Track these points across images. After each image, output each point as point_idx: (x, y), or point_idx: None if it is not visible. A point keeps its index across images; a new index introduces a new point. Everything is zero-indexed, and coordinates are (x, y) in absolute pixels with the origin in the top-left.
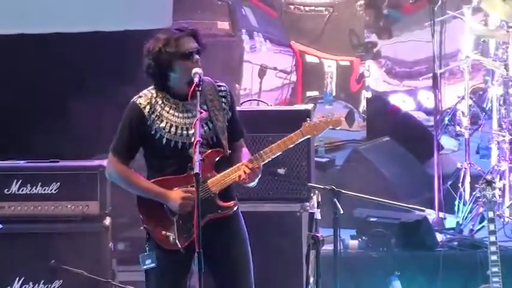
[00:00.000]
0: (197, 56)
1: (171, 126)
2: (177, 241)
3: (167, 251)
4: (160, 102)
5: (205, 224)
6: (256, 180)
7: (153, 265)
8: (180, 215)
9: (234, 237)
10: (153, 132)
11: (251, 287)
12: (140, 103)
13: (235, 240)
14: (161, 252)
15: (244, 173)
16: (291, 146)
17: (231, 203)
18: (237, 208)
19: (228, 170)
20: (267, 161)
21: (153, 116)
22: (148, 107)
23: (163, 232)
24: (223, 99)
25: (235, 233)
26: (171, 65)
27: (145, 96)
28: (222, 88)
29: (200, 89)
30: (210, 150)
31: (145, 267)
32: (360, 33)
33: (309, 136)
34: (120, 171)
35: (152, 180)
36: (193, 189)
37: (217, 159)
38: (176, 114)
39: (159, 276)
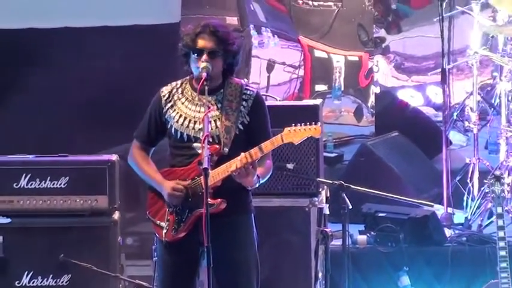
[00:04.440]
0: (205, 57)
1: (180, 116)
2: (164, 232)
3: (168, 244)
4: (180, 92)
5: (198, 220)
6: (251, 182)
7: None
8: (174, 208)
9: (234, 241)
10: (164, 120)
11: None
12: (162, 91)
13: (236, 244)
14: (162, 245)
15: (236, 166)
16: (272, 148)
17: (217, 200)
18: (247, 212)
19: (219, 168)
20: (252, 160)
21: (168, 104)
22: (167, 95)
23: (158, 221)
24: (244, 103)
25: (237, 236)
26: (188, 56)
27: (171, 86)
28: (248, 92)
29: (208, 83)
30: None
31: (154, 258)
32: (369, 28)
33: (288, 142)
34: (134, 155)
35: (161, 170)
36: (186, 182)
37: (215, 157)
38: (189, 106)
39: (161, 268)
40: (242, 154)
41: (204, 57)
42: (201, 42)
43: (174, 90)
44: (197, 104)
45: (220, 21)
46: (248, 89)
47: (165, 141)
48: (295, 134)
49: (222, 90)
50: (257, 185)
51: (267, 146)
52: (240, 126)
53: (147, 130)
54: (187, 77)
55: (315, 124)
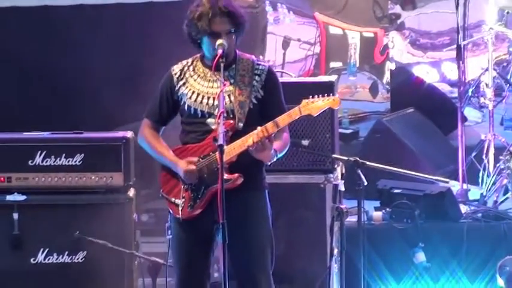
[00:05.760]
0: (224, 37)
1: (193, 93)
2: (180, 209)
3: (183, 221)
4: (191, 69)
5: (213, 197)
6: (268, 156)
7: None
8: (190, 185)
9: (248, 218)
10: (176, 97)
11: (264, 269)
12: (173, 69)
13: (250, 220)
14: (177, 222)
15: (253, 141)
16: (289, 122)
17: (233, 175)
18: (260, 189)
19: (236, 142)
20: (268, 135)
21: (180, 82)
22: (179, 73)
23: (173, 199)
24: (257, 77)
25: (251, 212)
26: (201, 38)
27: (181, 64)
28: (260, 67)
29: (224, 60)
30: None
31: (168, 237)
32: (384, 5)
33: (306, 114)
34: (145, 133)
35: (173, 148)
36: (201, 160)
37: (229, 132)
38: (202, 83)
39: (176, 246)
40: (258, 128)
41: (223, 38)
42: (216, 26)
43: (186, 68)
44: (210, 80)
45: None
46: (260, 64)
47: (173, 120)
48: (313, 105)
49: (234, 66)
50: (274, 159)
51: (284, 119)
52: (254, 101)
53: (159, 109)
54: (198, 55)
55: (333, 95)
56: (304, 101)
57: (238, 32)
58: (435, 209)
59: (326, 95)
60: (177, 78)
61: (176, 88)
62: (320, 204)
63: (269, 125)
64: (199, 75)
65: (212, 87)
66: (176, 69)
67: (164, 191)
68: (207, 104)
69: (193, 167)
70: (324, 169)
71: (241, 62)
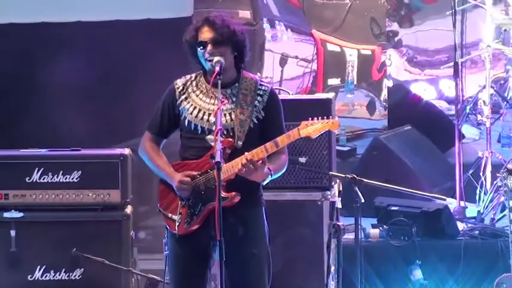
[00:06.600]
0: (210, 47)
1: (194, 108)
2: (176, 225)
3: (179, 237)
4: (194, 85)
5: (210, 214)
6: (261, 176)
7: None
8: (187, 201)
9: (245, 235)
10: (178, 112)
11: (261, 287)
12: (176, 83)
13: (247, 237)
14: (174, 238)
15: (242, 164)
16: (288, 142)
17: (230, 194)
18: (258, 206)
19: (234, 161)
20: (262, 157)
21: (182, 96)
22: (181, 87)
23: (170, 215)
24: (259, 98)
25: (247, 229)
26: (195, 52)
27: (185, 78)
28: (263, 88)
29: (221, 77)
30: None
31: (165, 252)
32: (381, 22)
33: (305, 136)
34: (145, 147)
35: (173, 163)
36: (194, 173)
37: (228, 150)
38: (204, 98)
39: (172, 262)
40: (246, 153)
41: (209, 47)
42: (201, 35)
43: (188, 83)
44: (211, 96)
45: (225, 13)
46: (263, 85)
47: (175, 135)
48: (312, 127)
49: (237, 84)
50: (268, 179)
51: (284, 139)
52: (255, 120)
53: (160, 121)
54: (201, 71)
55: (332, 118)
56: (303, 123)
57: (232, 43)
58: (432, 227)
59: (325, 117)
60: (180, 92)
61: (178, 102)
62: (317, 221)
63: (268, 144)
64: (201, 91)
65: (213, 104)
66: (179, 83)
67: (161, 206)
68: (208, 120)
69: (188, 179)
70: (321, 186)
71: (244, 81)
